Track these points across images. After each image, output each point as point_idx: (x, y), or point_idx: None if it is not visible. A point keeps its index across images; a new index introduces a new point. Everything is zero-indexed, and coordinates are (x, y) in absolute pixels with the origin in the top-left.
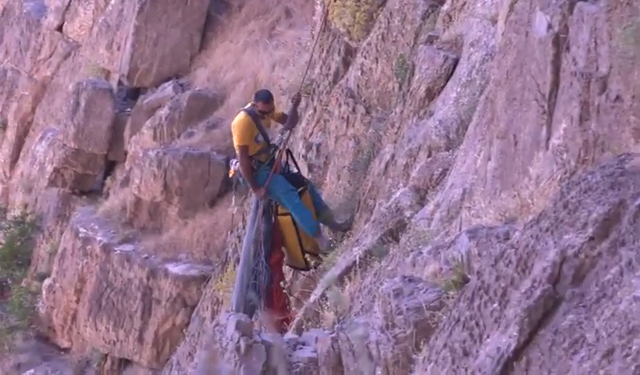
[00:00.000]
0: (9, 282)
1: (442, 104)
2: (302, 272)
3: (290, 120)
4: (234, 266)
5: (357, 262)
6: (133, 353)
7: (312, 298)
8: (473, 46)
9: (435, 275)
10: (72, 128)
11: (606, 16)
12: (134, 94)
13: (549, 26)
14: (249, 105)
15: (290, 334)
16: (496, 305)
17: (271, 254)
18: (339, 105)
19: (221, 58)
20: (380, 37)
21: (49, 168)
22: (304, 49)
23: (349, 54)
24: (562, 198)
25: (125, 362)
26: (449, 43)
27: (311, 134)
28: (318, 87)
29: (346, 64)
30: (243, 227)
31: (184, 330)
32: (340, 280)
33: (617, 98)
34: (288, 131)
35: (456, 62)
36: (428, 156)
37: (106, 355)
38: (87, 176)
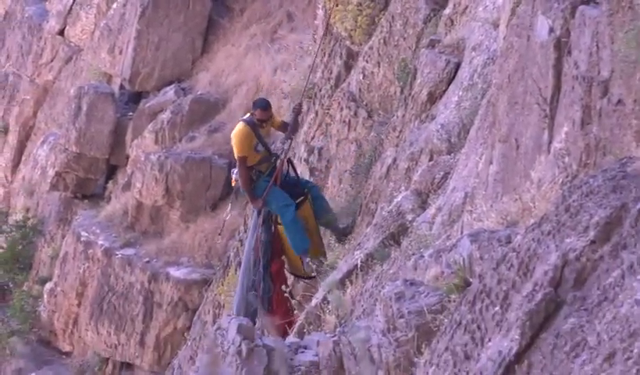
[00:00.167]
0: (11, 286)
1: (443, 108)
2: (304, 279)
3: (291, 129)
4: (235, 270)
5: (359, 266)
6: (135, 357)
7: (314, 301)
8: (475, 50)
9: (436, 278)
10: (73, 132)
11: (607, 19)
12: (136, 98)
13: (551, 30)
14: (248, 114)
15: (292, 338)
16: (497, 308)
17: (271, 263)
18: (341, 109)
19: (223, 62)
20: (382, 40)
21: (51, 172)
22: (305, 53)
23: (351, 58)
24: (564, 201)
25: (126, 366)
26: (451, 47)
27: (312, 138)
28: (320, 90)
29: (348, 68)
30: (245, 231)
31: (185, 333)
32: (342, 283)
33: (619, 101)
34: (289, 140)
35: (457, 66)
36: (430, 160)
37: (107, 359)
38: (89, 180)
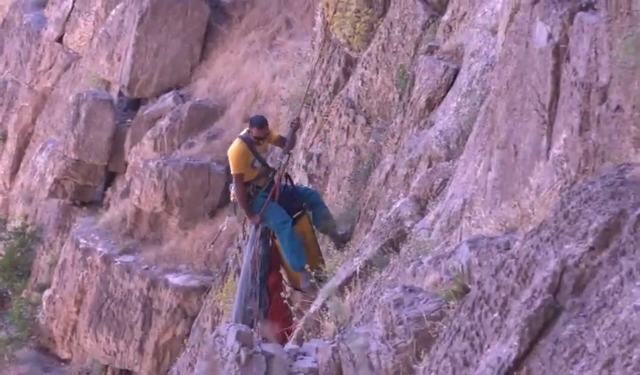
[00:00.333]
0: (9, 293)
1: (442, 114)
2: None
3: (289, 145)
4: (234, 277)
5: (358, 273)
6: (134, 364)
7: (312, 308)
8: (473, 56)
9: (435, 285)
10: (72, 139)
11: (606, 26)
12: (135, 104)
13: (550, 37)
14: (244, 131)
15: (291, 345)
16: (496, 314)
17: (268, 275)
18: (340, 116)
19: (221, 69)
20: (380, 47)
21: (49, 179)
22: (304, 60)
23: (349, 64)
24: (562, 207)
25: (125, 373)
26: (450, 53)
27: (311, 145)
28: (319, 97)
29: (347, 74)
30: (244, 238)
31: (185, 340)
32: (341, 290)
33: (618, 107)
34: (286, 155)
35: (456, 73)
36: (429, 166)
37: (106, 366)
38: (88, 187)
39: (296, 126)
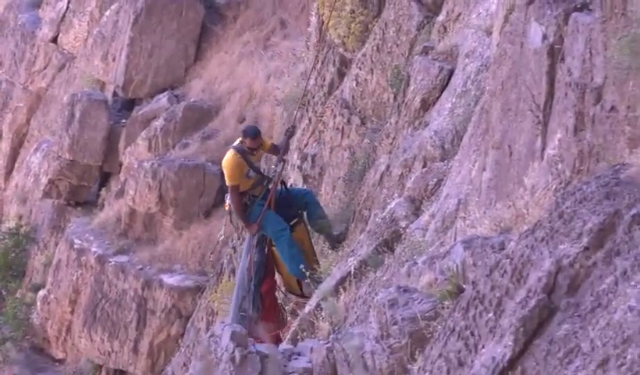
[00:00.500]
0: (4, 293)
1: (437, 114)
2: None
3: (283, 152)
4: (229, 277)
5: (352, 273)
6: (128, 364)
7: (307, 308)
8: (468, 57)
9: (430, 285)
10: (67, 139)
11: (600, 26)
12: (129, 105)
13: (544, 37)
14: (237, 141)
15: (285, 345)
16: (491, 314)
17: (263, 282)
18: (334, 116)
19: (216, 69)
20: (375, 48)
21: (44, 179)
22: (299, 60)
23: (344, 65)
24: (557, 208)
25: (120, 373)
26: (445, 54)
27: (306, 145)
28: (313, 98)
29: (341, 75)
30: (239, 238)
31: (179, 340)
32: (335, 290)
33: (612, 108)
34: (281, 163)
35: (451, 73)
36: (423, 167)
37: (101, 366)
38: (82, 187)
39: (290, 134)
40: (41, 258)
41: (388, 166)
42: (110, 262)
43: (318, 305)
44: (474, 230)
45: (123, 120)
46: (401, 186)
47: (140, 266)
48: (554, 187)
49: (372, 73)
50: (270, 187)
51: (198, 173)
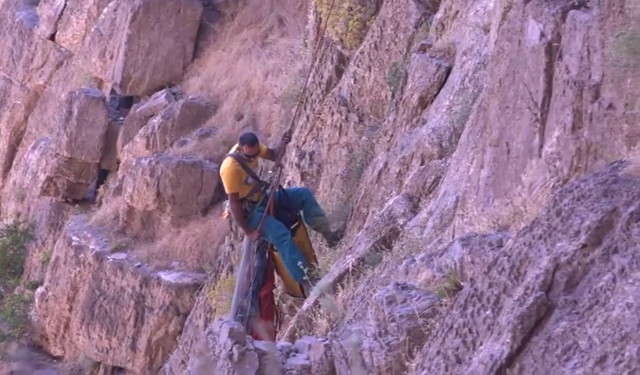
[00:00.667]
0: (2, 291)
1: (435, 112)
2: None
3: (281, 158)
4: (227, 274)
5: (350, 270)
6: (126, 361)
7: (305, 305)
8: (466, 54)
9: (428, 282)
10: (64, 137)
11: (598, 24)
12: (127, 102)
13: (542, 35)
14: (234, 148)
15: (283, 342)
16: (489, 312)
17: (262, 287)
18: (332, 114)
19: (214, 67)
20: (373, 45)
21: (42, 177)
22: (296, 58)
23: (342, 62)
24: (555, 205)
25: (118, 370)
26: (442, 51)
27: (304, 142)
28: (311, 95)
29: (339, 72)
30: (236, 237)
31: (177, 337)
32: (333, 287)
33: (610, 105)
34: (279, 168)
35: (449, 71)
36: (421, 164)
37: (99, 363)
38: (80, 184)
39: (287, 139)
40: (39, 255)
41: (386, 164)
42: (108, 259)
43: (316, 303)
44: (472, 227)
45: (121, 118)
46: (399, 183)
47: (138, 264)
48: (552, 184)
49: (370, 71)
50: (268, 192)
51: (196, 170)
